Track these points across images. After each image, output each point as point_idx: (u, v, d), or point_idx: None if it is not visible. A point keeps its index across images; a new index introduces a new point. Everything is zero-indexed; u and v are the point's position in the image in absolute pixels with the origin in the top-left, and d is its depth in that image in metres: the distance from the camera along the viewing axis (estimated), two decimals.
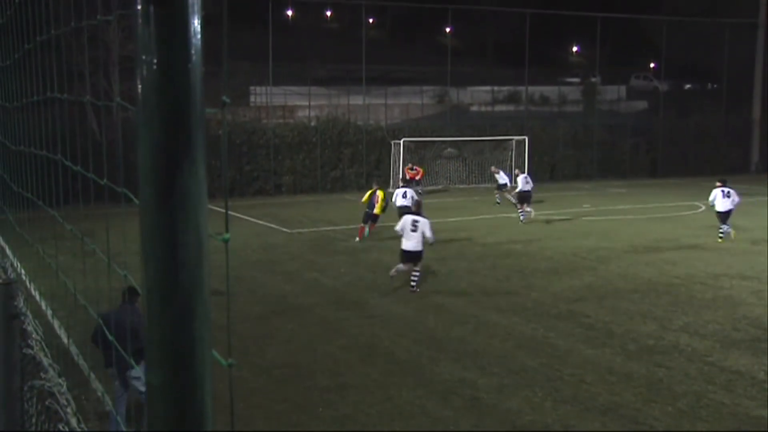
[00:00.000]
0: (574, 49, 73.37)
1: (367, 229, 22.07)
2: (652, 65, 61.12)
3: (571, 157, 42.99)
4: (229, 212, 14.45)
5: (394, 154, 37.33)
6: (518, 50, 43.99)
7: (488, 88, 51.54)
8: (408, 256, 15.35)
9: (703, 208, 29.95)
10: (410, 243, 15.27)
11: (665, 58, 46.80)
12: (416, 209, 16.19)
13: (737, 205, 21.07)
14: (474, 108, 50.37)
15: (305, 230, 24.38)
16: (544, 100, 52.31)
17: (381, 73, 46.80)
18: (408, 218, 15.49)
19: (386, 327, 12.86)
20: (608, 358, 11.19)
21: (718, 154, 47.55)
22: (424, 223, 15.33)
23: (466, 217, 27.46)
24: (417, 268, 15.48)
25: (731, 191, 20.87)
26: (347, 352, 11.55)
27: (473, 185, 38.51)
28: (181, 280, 1.10)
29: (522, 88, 47.22)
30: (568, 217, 27.40)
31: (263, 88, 40.54)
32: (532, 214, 25.73)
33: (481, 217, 27.95)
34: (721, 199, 20.86)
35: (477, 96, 51.52)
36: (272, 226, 25.25)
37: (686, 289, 15.65)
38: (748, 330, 12.53)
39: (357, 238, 21.83)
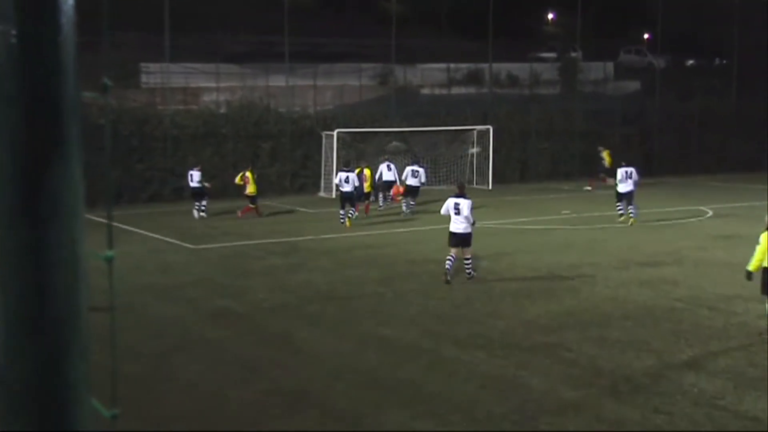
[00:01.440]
0: (550, 16, 74.46)
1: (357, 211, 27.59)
2: (645, 36, 62.40)
3: (546, 152, 43.68)
4: (115, 224, 14.25)
5: (325, 148, 37.36)
6: (480, 19, 44.52)
7: (443, 65, 51.90)
8: (455, 239, 18.76)
9: (711, 213, 30.70)
10: (457, 225, 18.70)
11: (662, 28, 47.83)
12: (460, 191, 19.24)
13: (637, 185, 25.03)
14: (425, 91, 50.71)
15: (213, 246, 24.19)
16: (513, 80, 52.95)
17: (308, 47, 46.79)
18: (450, 201, 18.88)
19: (318, 366, 12.84)
20: (595, 401, 11.36)
21: (728, 146, 48.66)
22: (465, 204, 18.68)
23: (416, 228, 27.62)
24: (468, 256, 18.83)
25: (633, 171, 25.42)
26: (268, 400, 11.48)
27: (426, 186, 38.73)
28: (50, 310, 1.03)
29: (485, 66, 47.74)
30: (543, 226, 27.77)
31: (158, 66, 40.16)
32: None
33: (435, 227, 28.15)
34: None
35: (429, 76, 51.85)
36: (171, 240, 24.97)
37: (691, 315, 16.00)
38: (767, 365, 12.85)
39: (365, 213, 28.97)
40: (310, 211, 32.67)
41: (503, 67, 51.70)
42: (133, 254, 21.82)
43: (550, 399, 11.44)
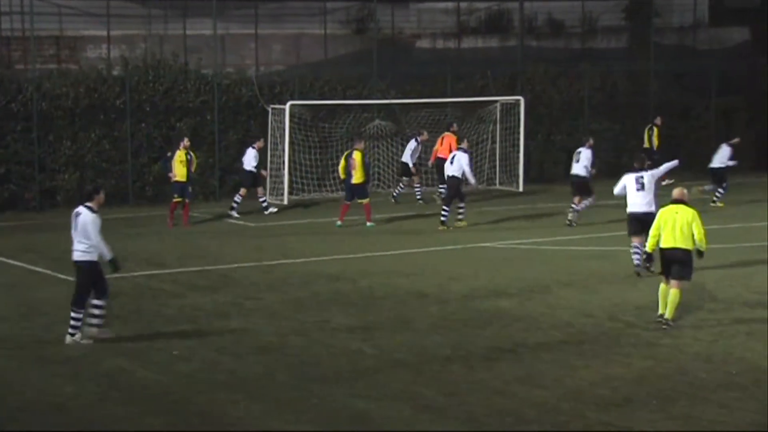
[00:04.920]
0: None
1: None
2: None
3: (607, 135, 43.61)
4: None
5: (274, 128, 37.27)
6: None
7: (450, 4, 51.75)
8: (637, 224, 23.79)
9: None
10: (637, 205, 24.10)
11: None
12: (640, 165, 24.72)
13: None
14: (424, 44, 50.63)
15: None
16: (556, 27, 52.90)
17: None
18: (629, 177, 24.41)
19: None
20: None
21: None
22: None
23: (404, 249, 27.63)
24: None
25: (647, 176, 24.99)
26: None
27: (426, 188, 38.71)
28: None
29: (515, 5, 47.69)
30: (600, 248, 27.79)
31: (16, 6, 40.11)
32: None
33: (436, 248, 28.19)
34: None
35: (429, 20, 51.75)
36: (37, 269, 24.88)
37: None
38: None
39: (338, 221, 31.40)
40: (250, 223, 32.62)
41: (542, 7, 51.60)
42: None
43: None
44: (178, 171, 31.44)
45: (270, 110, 37.27)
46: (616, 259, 26.21)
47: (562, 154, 41.94)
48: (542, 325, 19.53)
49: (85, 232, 18.04)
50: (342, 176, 32.26)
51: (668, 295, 19.04)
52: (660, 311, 19.16)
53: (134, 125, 36.31)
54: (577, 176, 32.08)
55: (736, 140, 37.08)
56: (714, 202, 35.86)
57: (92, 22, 42.49)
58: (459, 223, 31.68)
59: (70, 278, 23.57)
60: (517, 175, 39.93)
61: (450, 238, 29.56)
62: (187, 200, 31.53)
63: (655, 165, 26.57)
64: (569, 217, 31.34)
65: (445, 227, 31.07)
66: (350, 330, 19.17)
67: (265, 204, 34.68)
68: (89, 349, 17.98)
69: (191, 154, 32.01)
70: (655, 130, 40.90)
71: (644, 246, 21.37)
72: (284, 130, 36.40)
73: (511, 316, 20.22)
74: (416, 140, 37.15)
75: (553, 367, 16.77)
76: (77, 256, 18.36)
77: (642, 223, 23.06)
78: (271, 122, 37.17)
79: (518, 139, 40.00)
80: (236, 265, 25.12)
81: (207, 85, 37.83)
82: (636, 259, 23.58)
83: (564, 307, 20.91)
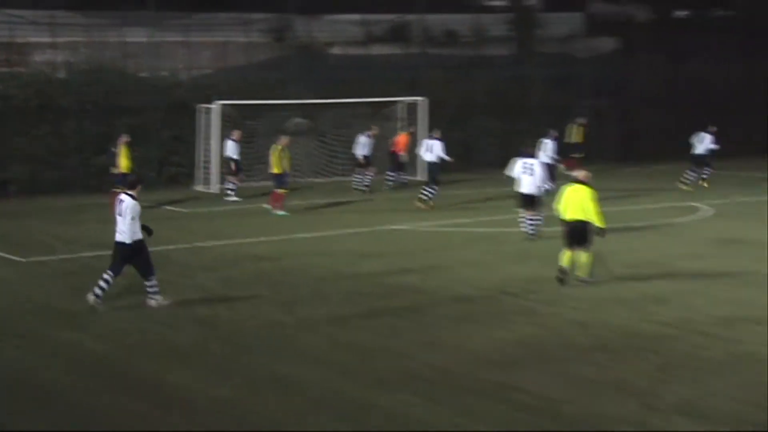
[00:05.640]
0: None
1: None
2: None
3: (496, 132, 43.93)
4: None
5: (203, 126, 37.12)
6: None
7: (358, 17, 51.71)
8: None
9: (708, 210, 31.33)
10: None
11: None
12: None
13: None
14: (336, 51, 50.58)
15: (52, 258, 23.94)
16: (451, 37, 53.05)
17: None
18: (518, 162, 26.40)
19: (197, 420, 12.77)
20: None
21: (731, 123, 49.21)
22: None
23: (327, 232, 27.64)
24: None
25: (535, 164, 26.87)
26: None
27: (339, 177, 38.78)
28: None
29: (414, 18, 47.82)
30: (492, 229, 28.00)
31: None
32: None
33: (350, 230, 28.18)
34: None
35: (340, 31, 51.72)
36: None
37: (682, 344, 16.26)
38: None
39: (281, 211, 30.76)
40: (183, 210, 32.47)
41: (438, 20, 51.73)
42: None
43: None
44: (123, 164, 31.09)
45: (200, 110, 37.13)
46: (507, 239, 26.49)
47: (459, 148, 42.14)
48: (442, 297, 19.63)
49: (133, 216, 18.42)
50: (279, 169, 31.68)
51: (579, 261, 20.47)
52: (561, 265, 20.45)
53: (78, 123, 36.00)
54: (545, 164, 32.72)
55: (713, 128, 39.27)
56: (702, 181, 38.43)
57: (39, 30, 41.95)
58: (419, 203, 32.41)
59: (22, 259, 23.51)
60: (417, 166, 40.08)
61: (360, 221, 29.63)
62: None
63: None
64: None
65: (425, 205, 32.12)
66: (273, 304, 19.15)
67: (231, 191, 34.79)
68: (37, 322, 17.84)
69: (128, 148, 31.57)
70: (581, 128, 41.11)
71: (531, 217, 25.80)
72: (213, 126, 36.30)
73: (415, 289, 20.31)
74: (367, 135, 37.45)
75: (451, 334, 16.89)
76: (120, 237, 18.62)
77: (527, 199, 26.03)
78: (201, 121, 37.03)
79: (418, 134, 40.15)
80: (172, 246, 24.93)
81: (143, 87, 37.60)
82: (524, 226, 26.29)
83: (461, 282, 21.03)
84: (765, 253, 23.92)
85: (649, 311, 18.38)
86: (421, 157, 35.90)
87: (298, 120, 39.07)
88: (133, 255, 18.55)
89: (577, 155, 37.70)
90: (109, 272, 18.54)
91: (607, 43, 55.35)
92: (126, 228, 18.41)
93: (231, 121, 37.04)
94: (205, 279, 21.52)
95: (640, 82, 48.79)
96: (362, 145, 37.12)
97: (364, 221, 29.72)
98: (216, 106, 36.53)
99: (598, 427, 12.38)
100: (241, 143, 35.26)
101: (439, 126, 41.06)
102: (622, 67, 50.23)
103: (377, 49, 49.86)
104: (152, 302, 18.63)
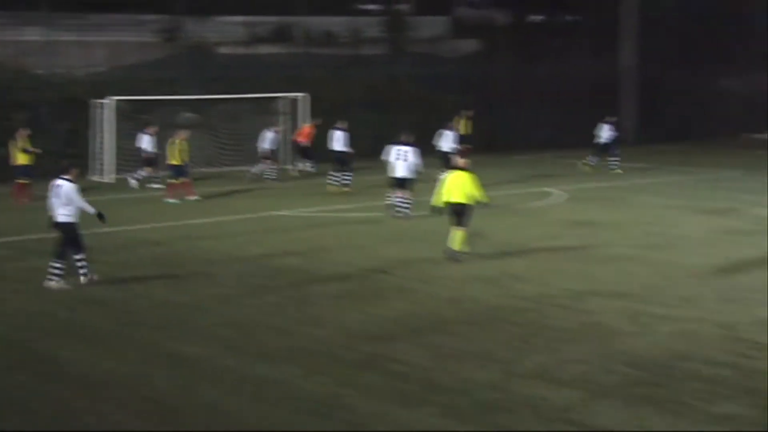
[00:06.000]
0: None
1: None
2: None
3: (372, 124, 44.04)
4: None
5: (99, 121, 36.49)
6: None
7: (243, 18, 51.42)
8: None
9: (562, 195, 31.91)
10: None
11: None
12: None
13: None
14: (223, 50, 50.14)
15: None
16: (331, 38, 53.02)
17: None
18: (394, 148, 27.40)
19: (91, 393, 12.57)
20: (431, 421, 11.57)
21: (583, 117, 50.30)
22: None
23: (213, 218, 27.42)
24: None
25: (410, 151, 27.36)
26: None
27: (227, 167, 38.52)
28: None
29: (296, 20, 47.65)
30: (369, 214, 28.07)
31: None
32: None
33: (239, 216, 27.99)
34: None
35: (227, 32, 51.28)
36: None
37: (539, 316, 16.55)
38: (623, 371, 13.43)
39: (193, 197, 30.71)
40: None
41: (318, 22, 51.66)
42: None
43: (377, 421, 11.56)
44: (20, 157, 30.67)
45: (95, 105, 36.54)
46: (383, 223, 26.59)
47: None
48: (323, 277, 19.63)
49: (69, 199, 18.45)
50: (178, 161, 31.14)
51: (455, 238, 21.09)
52: (449, 245, 21.14)
53: None
54: (440, 150, 35.67)
55: (613, 119, 41.20)
56: (612, 170, 39.25)
57: None
58: (331, 188, 33.24)
59: None
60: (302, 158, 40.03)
61: (249, 208, 29.40)
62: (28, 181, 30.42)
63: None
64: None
65: (340, 190, 32.73)
66: (165, 285, 18.94)
67: (139, 178, 34.50)
68: None
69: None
70: (469, 121, 41.66)
71: (402, 198, 26.82)
72: (112, 121, 35.82)
73: (299, 270, 20.28)
74: (273, 131, 37.04)
75: (331, 311, 16.92)
76: (61, 218, 18.54)
77: (400, 182, 26.86)
78: (96, 116, 36.47)
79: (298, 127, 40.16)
80: None
81: (40, 84, 36.91)
82: (393, 207, 27.19)
83: (340, 263, 21.04)
84: (612, 233, 24.53)
85: (509, 287, 18.67)
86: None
87: (188, 114, 38.61)
88: (72, 233, 18.58)
89: (466, 145, 37.90)
90: (75, 256, 18.56)
91: (470, 45, 56.08)
92: (66, 210, 18.48)
93: (125, 116, 36.49)
94: (102, 263, 21.12)
95: (500, 80, 49.46)
96: (268, 140, 36.71)
97: (253, 207, 29.50)
98: (110, 101, 35.97)
99: (465, 393, 12.51)
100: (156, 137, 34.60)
101: (320, 120, 41.26)
102: (484, 66, 50.86)
103: (262, 49, 49.69)
104: (53, 284, 18.30)
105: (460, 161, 22.21)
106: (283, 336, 15.31)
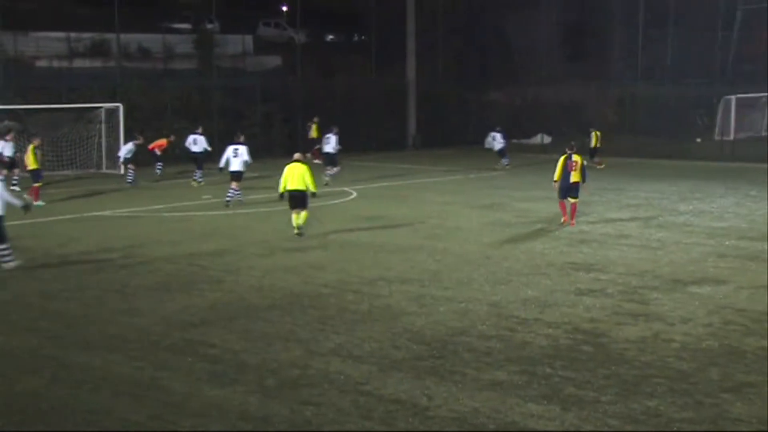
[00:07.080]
0: None
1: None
2: (284, 8, 64.14)
3: (185, 131, 43.44)
4: None
5: None
6: None
7: (62, 34, 50.11)
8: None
9: (355, 194, 32.27)
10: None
11: (300, 1, 49.50)
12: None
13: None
14: (42, 63, 48.67)
15: None
16: (145, 53, 52.30)
17: None
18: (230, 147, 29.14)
19: None
20: (241, 399, 11.49)
21: (375, 125, 51.37)
22: (240, 149, 29.08)
23: (39, 219, 26.48)
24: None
25: (244, 149, 29.20)
26: None
27: (47, 172, 37.25)
28: None
29: (112, 36, 46.67)
30: (181, 213, 27.68)
31: None
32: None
33: (63, 217, 27.16)
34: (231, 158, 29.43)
35: (46, 46, 49.82)
36: None
37: (337, 300, 16.64)
38: (409, 347, 13.68)
39: (39, 202, 28.74)
40: None
41: (133, 38, 50.84)
42: None
43: (191, 400, 11.40)
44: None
45: None
46: (194, 220, 26.29)
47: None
48: (141, 271, 19.23)
49: None
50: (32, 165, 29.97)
51: (300, 218, 23.08)
52: (294, 226, 23.11)
53: None
54: (327, 153, 36.98)
55: (336, 129, 37.92)
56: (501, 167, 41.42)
57: None
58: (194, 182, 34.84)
59: None
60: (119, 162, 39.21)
61: (69, 209, 28.57)
62: None
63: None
64: (326, 180, 34.70)
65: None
66: None
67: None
68: None
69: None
70: (317, 126, 44.18)
71: (234, 189, 28.52)
72: None
73: (118, 265, 19.81)
74: (133, 143, 35.91)
75: (149, 302, 16.57)
76: None
77: (235, 175, 28.75)
78: None
79: (119, 135, 39.43)
80: None
81: None
82: (229, 197, 28.52)
83: (157, 258, 20.67)
84: (400, 226, 24.91)
85: (310, 276, 18.71)
86: (187, 148, 36.31)
87: (8, 122, 37.20)
88: None
89: (318, 147, 40.48)
90: None
91: (273, 60, 56.52)
92: None
93: None
94: None
95: (299, 92, 49.80)
96: (128, 150, 35.56)
97: (73, 209, 28.67)
98: None
99: (272, 371, 12.47)
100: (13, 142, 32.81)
101: (136, 127, 40.57)
102: (284, 80, 51.26)
103: (81, 63, 48.66)
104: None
105: (297, 155, 23.85)
106: (104, 326, 14.89)
